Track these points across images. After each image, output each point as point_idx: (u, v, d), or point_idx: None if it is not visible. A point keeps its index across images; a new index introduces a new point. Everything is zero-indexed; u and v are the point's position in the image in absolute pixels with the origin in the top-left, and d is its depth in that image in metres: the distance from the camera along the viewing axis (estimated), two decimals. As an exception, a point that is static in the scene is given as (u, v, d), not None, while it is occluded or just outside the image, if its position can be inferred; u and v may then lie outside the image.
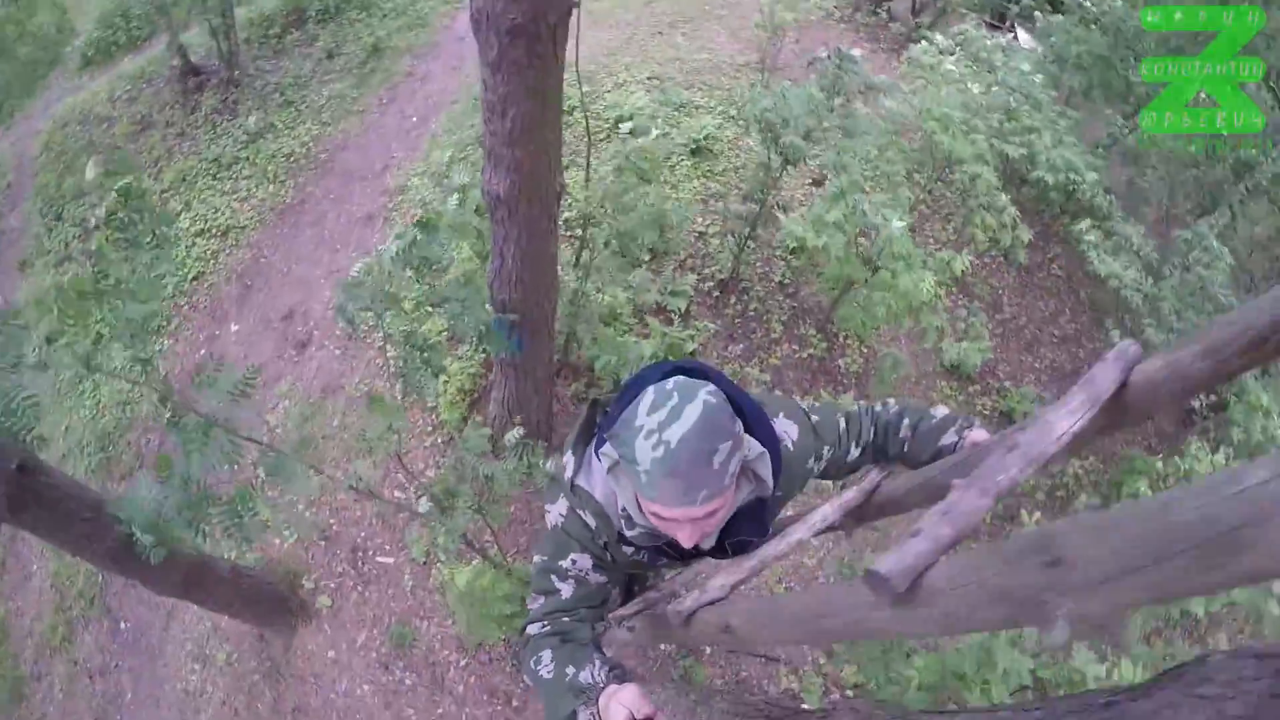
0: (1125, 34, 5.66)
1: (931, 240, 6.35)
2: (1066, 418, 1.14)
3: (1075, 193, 5.52)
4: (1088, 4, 6.27)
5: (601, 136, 6.60)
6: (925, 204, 6.51)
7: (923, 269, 4.57)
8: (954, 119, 5.02)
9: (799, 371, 5.58)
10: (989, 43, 6.19)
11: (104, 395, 6.46)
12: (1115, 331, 5.43)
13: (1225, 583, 0.67)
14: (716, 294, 5.83)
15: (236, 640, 5.03)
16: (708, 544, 1.34)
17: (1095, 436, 1.22)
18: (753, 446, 1.24)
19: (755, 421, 1.29)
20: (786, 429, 1.46)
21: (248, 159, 7.69)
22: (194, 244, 7.09)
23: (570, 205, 5.10)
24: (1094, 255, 5.04)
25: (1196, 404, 5.42)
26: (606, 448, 1.24)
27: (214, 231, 7.17)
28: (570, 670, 1.33)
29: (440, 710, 4.39)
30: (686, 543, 1.23)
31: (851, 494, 1.64)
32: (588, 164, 4.77)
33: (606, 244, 4.70)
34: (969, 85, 5.54)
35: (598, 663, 1.34)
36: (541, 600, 1.46)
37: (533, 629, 1.45)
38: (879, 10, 8.84)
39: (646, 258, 5.58)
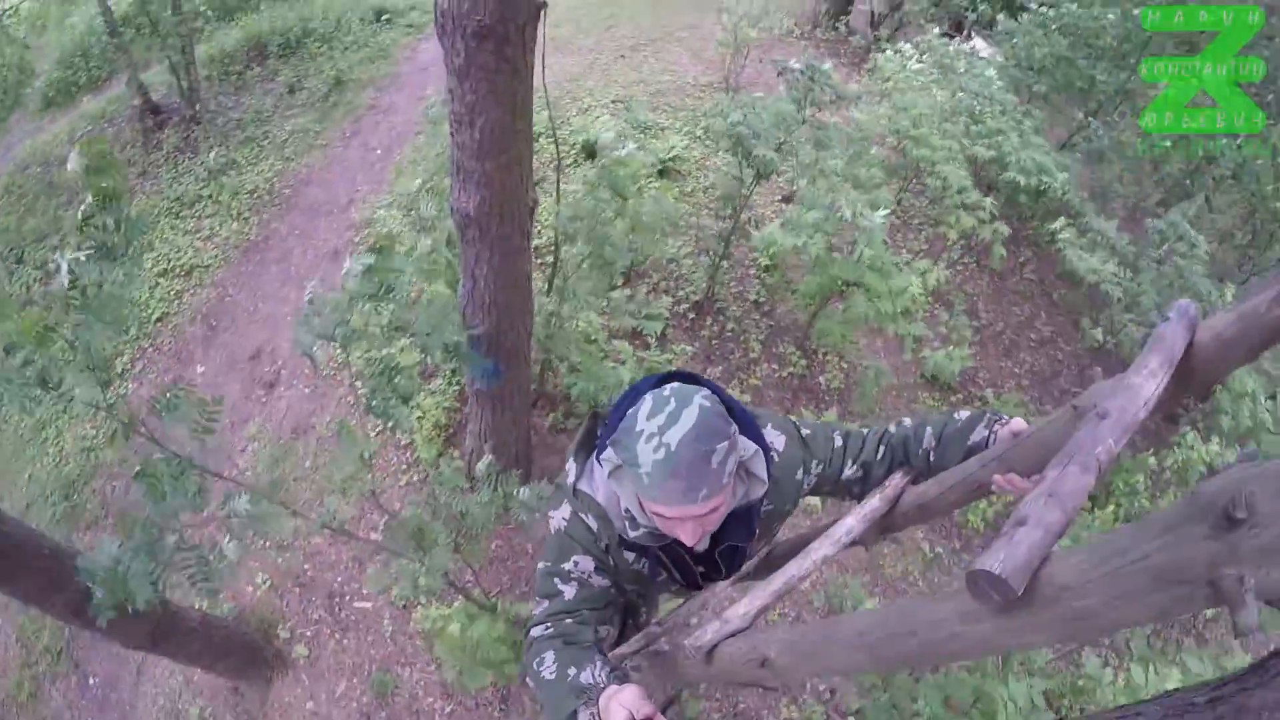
0: (1084, 34, 5.73)
1: (904, 250, 6.34)
2: (1149, 379, 1.08)
3: (1045, 193, 5.53)
4: (1045, 10, 6.37)
5: (569, 162, 6.54)
6: (896, 214, 6.50)
7: (907, 270, 4.53)
8: (927, 116, 5.03)
9: (780, 390, 5.51)
10: (951, 49, 6.24)
11: (66, 442, 6.23)
12: (1097, 330, 5.42)
13: None
14: (692, 316, 5.75)
15: (210, 694, 4.81)
16: (701, 547, 1.40)
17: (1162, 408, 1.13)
18: (747, 446, 1.30)
19: (746, 426, 1.34)
20: (774, 439, 1.50)
21: (210, 196, 7.54)
22: (157, 284, 6.90)
23: (539, 232, 5.01)
24: (1071, 253, 5.02)
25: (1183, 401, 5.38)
26: (608, 453, 1.28)
27: (177, 271, 6.99)
28: (572, 671, 1.35)
29: (426, 761, 4.21)
30: (688, 540, 1.28)
31: (875, 502, 1.56)
32: (558, 188, 4.69)
33: (580, 264, 4.60)
34: (934, 92, 5.57)
35: (599, 664, 1.36)
36: (545, 604, 1.49)
37: (536, 631, 1.47)
38: (838, 25, 8.92)
39: (619, 282, 5.49)
